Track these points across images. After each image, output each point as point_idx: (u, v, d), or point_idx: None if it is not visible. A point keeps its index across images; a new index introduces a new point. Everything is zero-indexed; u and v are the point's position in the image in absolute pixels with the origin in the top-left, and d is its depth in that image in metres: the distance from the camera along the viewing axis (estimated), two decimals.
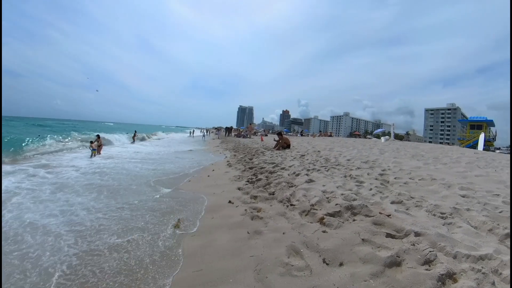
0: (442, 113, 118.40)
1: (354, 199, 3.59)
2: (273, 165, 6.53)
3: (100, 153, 12.75)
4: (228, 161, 8.24)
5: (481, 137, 16.92)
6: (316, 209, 3.34)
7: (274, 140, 11.48)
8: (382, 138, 18.40)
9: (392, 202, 3.60)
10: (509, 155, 10.79)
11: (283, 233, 2.82)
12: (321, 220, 3.00)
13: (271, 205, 3.70)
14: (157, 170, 7.45)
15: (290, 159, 7.55)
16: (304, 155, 8.51)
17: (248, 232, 2.93)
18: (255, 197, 4.13)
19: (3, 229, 3.15)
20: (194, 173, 7.12)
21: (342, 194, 3.79)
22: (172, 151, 13.54)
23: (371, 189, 4.20)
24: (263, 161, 7.39)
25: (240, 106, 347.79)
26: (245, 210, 3.58)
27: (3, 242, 2.84)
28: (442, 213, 3.20)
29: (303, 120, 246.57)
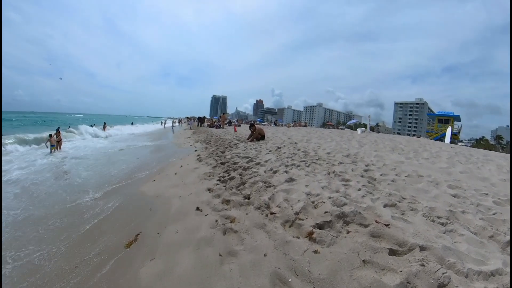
0: (411, 107, 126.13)
1: (344, 204, 3.14)
2: (247, 159, 5.94)
3: (60, 149, 11.44)
4: (198, 155, 7.51)
5: (448, 131, 17.71)
6: (302, 219, 2.82)
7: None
8: (358, 129, 18.54)
9: (385, 206, 3.20)
10: (472, 148, 11.20)
11: (264, 255, 2.25)
12: (310, 235, 2.47)
13: (247, 213, 3.11)
14: (118, 170, 6.56)
15: (265, 152, 7.00)
16: (280, 148, 8.02)
17: (220, 254, 2.33)
18: (227, 201, 3.52)
19: None
20: (159, 170, 6.34)
21: (329, 198, 3.32)
22: (139, 146, 12.45)
23: (359, 189, 3.78)
24: (236, 154, 6.77)
25: (214, 95, 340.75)
26: (216, 220, 2.97)
27: None
28: (439, 217, 2.90)
29: (276, 110, 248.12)
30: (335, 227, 2.66)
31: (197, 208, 3.40)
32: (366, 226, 2.62)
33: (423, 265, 1.98)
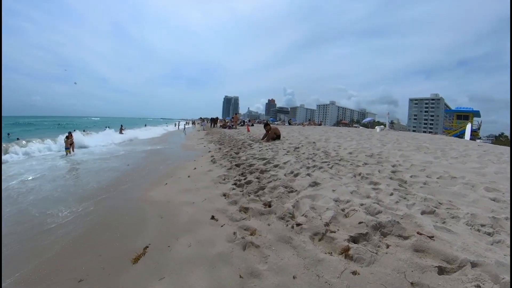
0: (426, 103, 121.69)
1: (379, 212, 2.71)
2: (264, 161, 5.55)
3: (73, 151, 11.53)
4: (212, 156, 7.19)
5: (468, 127, 16.65)
6: (333, 231, 2.41)
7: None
8: (377, 127, 17.75)
9: (423, 213, 2.76)
10: (500, 146, 10.33)
11: (294, 277, 1.87)
12: (345, 251, 2.06)
13: (268, 224, 2.73)
14: (132, 171, 6.34)
15: (283, 153, 6.58)
16: (298, 148, 7.58)
17: (240, 276, 1.96)
18: (245, 209, 3.14)
19: None
20: (171, 172, 6.05)
21: (361, 205, 2.89)
22: (147, 149, 12.33)
23: (391, 194, 3.33)
24: (251, 155, 6.40)
25: (226, 96, 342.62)
26: (234, 233, 2.60)
27: None
28: (483, 226, 2.50)
29: (289, 109, 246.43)
30: (372, 240, 2.25)
31: (212, 217, 3.04)
32: (406, 238, 2.24)
33: (479, 287, 1.57)
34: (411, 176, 4.26)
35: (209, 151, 8.36)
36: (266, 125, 10.07)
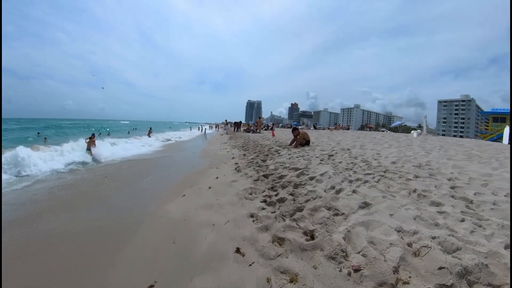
0: (456, 105, 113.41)
1: (458, 248, 1.92)
2: (297, 171, 4.79)
3: (92, 153, 11.49)
4: (236, 164, 6.54)
5: (506, 131, 14.58)
6: (407, 281, 1.64)
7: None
8: (413, 132, 16.21)
9: (506, 247, 1.93)
10: None
11: None
12: None
13: (314, 266, 1.98)
14: (149, 177, 5.86)
15: (316, 161, 5.78)
16: (332, 155, 6.73)
17: None
18: (280, 240, 2.41)
19: None
20: (191, 180, 5.47)
21: (433, 238, 2.08)
22: (169, 154, 12.00)
23: (462, 220, 2.50)
24: (281, 164, 5.66)
25: (249, 100, 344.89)
26: (268, 279, 1.88)
27: None
28: None
29: (312, 113, 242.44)
30: None
31: (237, 250, 2.34)
32: None
33: None
34: (475, 194, 3.34)
35: (233, 158, 7.74)
36: (294, 129, 9.28)
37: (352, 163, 5.65)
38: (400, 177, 4.33)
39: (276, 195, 3.74)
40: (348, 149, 8.26)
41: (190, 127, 49.03)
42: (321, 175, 4.52)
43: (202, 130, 34.67)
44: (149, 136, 21.41)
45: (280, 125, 63.90)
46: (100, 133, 28.53)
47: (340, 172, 4.76)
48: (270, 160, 6.35)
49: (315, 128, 29.17)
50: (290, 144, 9.22)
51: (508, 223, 2.44)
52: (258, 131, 22.07)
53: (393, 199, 3.24)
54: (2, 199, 4.63)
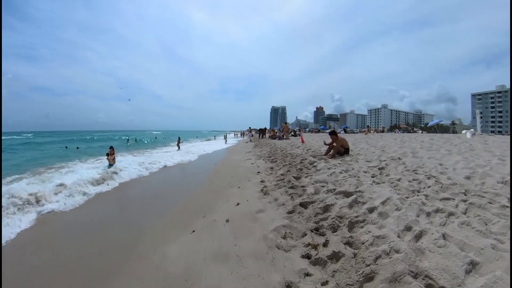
0: (492, 97, 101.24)
1: None
2: (348, 198, 3.41)
3: (114, 163, 10.86)
4: (262, 182, 5.26)
5: None
6: None
7: (325, 144, 8.19)
8: (467, 132, 13.85)
9: None
10: None
11: None
12: None
13: None
14: (156, 198, 4.79)
15: (367, 179, 4.34)
16: (383, 168, 5.23)
17: None
18: None
19: None
20: (205, 206, 4.25)
21: None
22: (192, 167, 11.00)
23: None
24: (321, 183, 4.30)
25: (273, 106, 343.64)
26: None
27: None
28: None
29: (338, 116, 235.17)
30: None
31: None
32: None
33: None
34: None
35: (258, 172, 6.44)
36: (333, 133, 7.79)
37: (415, 180, 4.14)
38: (490, 203, 2.83)
39: (324, 244, 2.39)
40: (399, 158, 6.65)
41: (215, 136, 48.55)
42: (383, 203, 3.11)
43: (226, 139, 33.78)
44: (179, 147, 19.98)
45: (306, 129, 61.78)
46: (128, 140, 28.85)
47: (407, 197, 3.31)
48: (305, 177, 4.98)
49: (345, 131, 27.04)
50: (327, 154, 7.75)
51: None
52: (284, 137, 20.58)
53: (505, 249, 1.77)
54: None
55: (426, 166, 5.44)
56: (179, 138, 21.88)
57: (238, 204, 4.00)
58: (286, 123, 21.91)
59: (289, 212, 3.31)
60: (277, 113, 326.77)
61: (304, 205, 3.46)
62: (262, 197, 4.16)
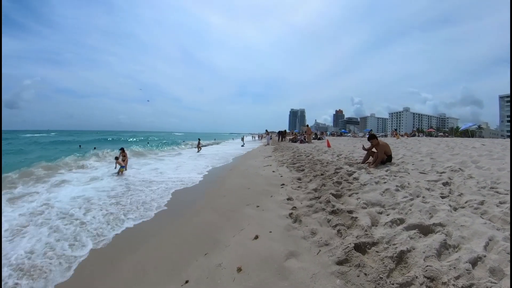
0: None
1: None
2: (429, 237, 2.15)
3: (126, 169, 10.01)
4: (289, 200, 3.98)
5: None
6: None
7: (364, 149, 6.75)
8: None
9: None
10: None
11: None
12: None
13: None
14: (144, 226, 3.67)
15: (439, 203, 3.00)
16: (447, 184, 3.87)
17: None
18: None
19: None
20: (208, 237, 3.02)
21: None
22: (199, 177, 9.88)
23: None
24: (376, 207, 3.00)
25: (292, 109, 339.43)
26: None
27: None
28: None
29: (358, 119, 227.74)
30: None
31: None
32: None
33: None
34: None
35: (282, 185, 5.14)
36: (372, 137, 6.36)
37: (502, 203, 2.77)
38: None
39: None
40: (461, 170, 5.16)
41: (233, 138, 47.66)
42: (485, 247, 1.80)
43: (243, 142, 32.63)
44: (199, 149, 19.08)
45: (328, 133, 59.57)
46: (148, 142, 28.53)
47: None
48: (349, 195, 3.64)
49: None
50: (365, 161, 6.34)
51: None
52: (307, 140, 19.08)
53: None
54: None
55: (503, 181, 3.99)
56: (199, 140, 21.21)
57: (256, 237, 2.75)
58: (308, 125, 20.34)
59: (340, 263, 2.03)
60: (296, 116, 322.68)
61: (361, 249, 2.17)
62: (292, 227, 2.89)
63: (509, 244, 1.95)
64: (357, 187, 4.01)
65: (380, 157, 5.83)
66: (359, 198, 3.42)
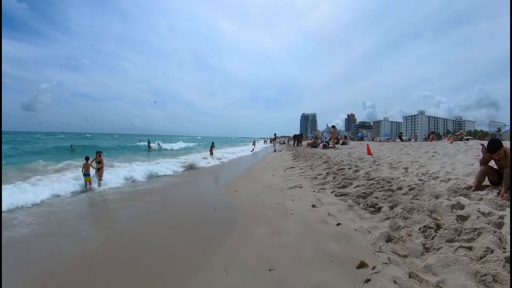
0: None
1: None
2: None
3: (101, 179, 7.48)
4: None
5: None
6: None
7: (481, 164, 3.93)
8: None
9: None
10: None
11: None
12: None
13: None
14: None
15: None
16: None
17: None
18: None
19: None
20: None
21: None
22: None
23: None
24: None
25: (303, 113, 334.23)
26: None
27: None
28: None
29: (371, 123, 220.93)
30: None
31: None
32: None
33: None
34: None
35: (337, 222, 2.39)
36: (497, 146, 3.51)
37: None
38: None
39: None
40: None
41: (252, 141, 45.07)
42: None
43: (254, 145, 29.99)
44: (211, 154, 17.47)
45: (342, 136, 56.08)
46: (159, 144, 26.20)
47: None
48: None
49: (401, 139, 21.97)
50: (478, 184, 3.56)
51: None
52: (331, 145, 16.01)
53: None
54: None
55: None
56: (212, 143, 19.45)
57: None
58: (334, 126, 17.29)
59: None
60: (307, 121, 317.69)
61: None
62: None
63: None
64: None
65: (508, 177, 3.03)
66: None
